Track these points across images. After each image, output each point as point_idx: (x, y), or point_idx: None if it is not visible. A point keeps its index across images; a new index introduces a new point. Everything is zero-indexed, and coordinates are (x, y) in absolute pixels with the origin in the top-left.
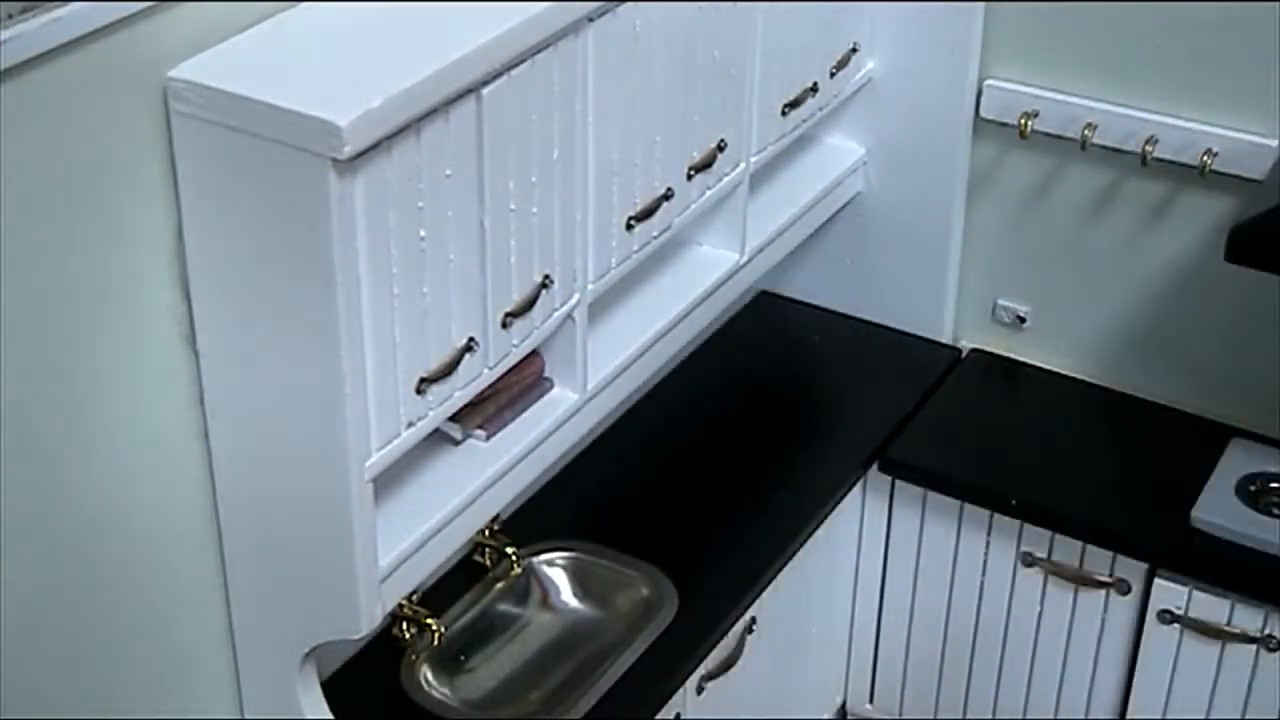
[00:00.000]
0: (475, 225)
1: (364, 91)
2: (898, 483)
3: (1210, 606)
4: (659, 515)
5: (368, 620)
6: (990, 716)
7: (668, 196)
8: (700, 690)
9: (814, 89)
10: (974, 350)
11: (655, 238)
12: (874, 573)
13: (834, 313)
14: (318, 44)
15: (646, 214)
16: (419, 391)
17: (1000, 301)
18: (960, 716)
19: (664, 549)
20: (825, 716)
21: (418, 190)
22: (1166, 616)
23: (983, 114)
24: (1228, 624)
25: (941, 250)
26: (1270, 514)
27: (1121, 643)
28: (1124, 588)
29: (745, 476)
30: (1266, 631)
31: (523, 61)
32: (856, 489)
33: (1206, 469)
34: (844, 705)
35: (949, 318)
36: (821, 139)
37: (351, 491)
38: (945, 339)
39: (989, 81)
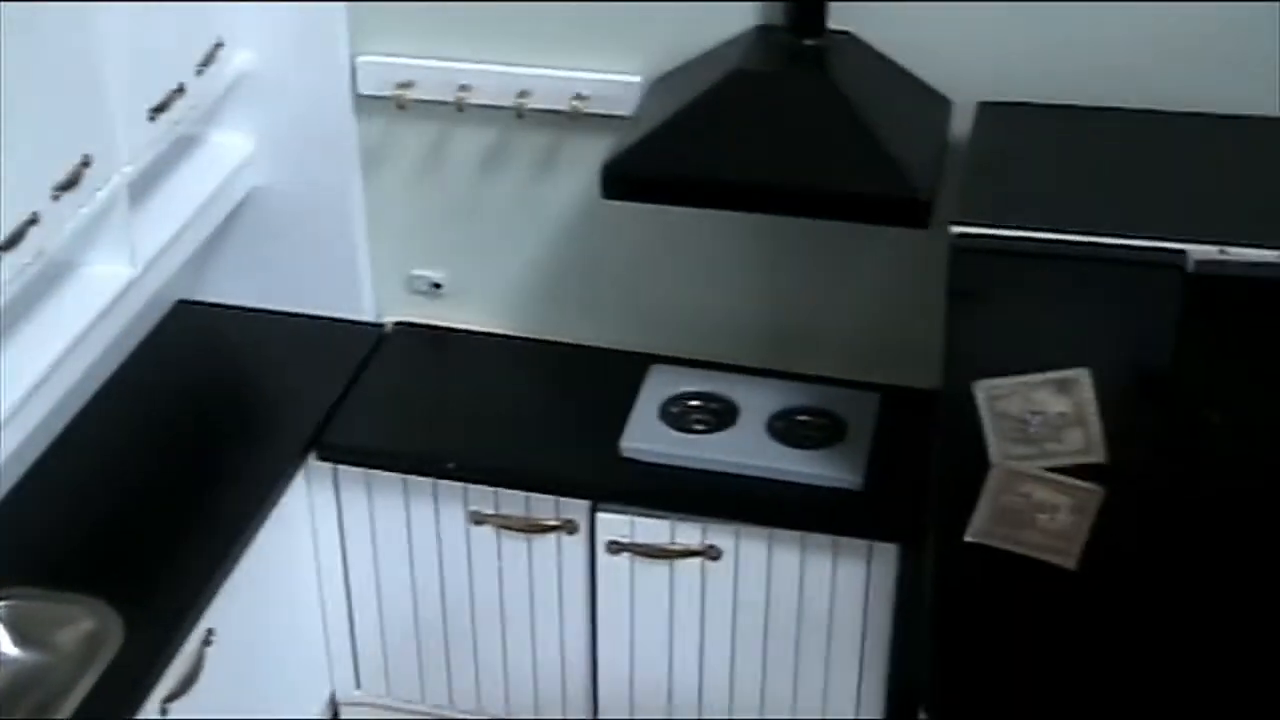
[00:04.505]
0: None
1: None
2: (340, 467)
3: (653, 529)
4: (97, 544)
5: None
6: (474, 680)
7: (34, 222)
8: (164, 713)
9: (181, 90)
10: (398, 323)
11: (28, 265)
12: (334, 560)
13: (254, 309)
14: None
15: (11, 244)
16: None
17: (414, 271)
18: (445, 683)
19: (108, 577)
20: (315, 712)
21: None
22: (614, 547)
23: (360, 90)
24: (672, 542)
25: (346, 231)
26: (692, 430)
27: (580, 580)
28: (572, 527)
29: (184, 489)
30: (708, 542)
31: None
32: (299, 481)
33: (630, 399)
34: (334, 696)
35: (368, 295)
36: (207, 138)
37: None
38: (368, 317)
39: (361, 58)
